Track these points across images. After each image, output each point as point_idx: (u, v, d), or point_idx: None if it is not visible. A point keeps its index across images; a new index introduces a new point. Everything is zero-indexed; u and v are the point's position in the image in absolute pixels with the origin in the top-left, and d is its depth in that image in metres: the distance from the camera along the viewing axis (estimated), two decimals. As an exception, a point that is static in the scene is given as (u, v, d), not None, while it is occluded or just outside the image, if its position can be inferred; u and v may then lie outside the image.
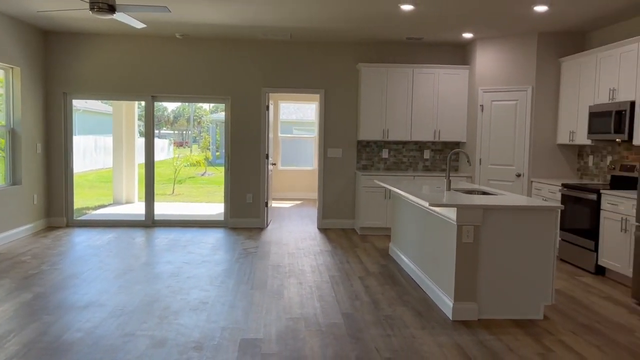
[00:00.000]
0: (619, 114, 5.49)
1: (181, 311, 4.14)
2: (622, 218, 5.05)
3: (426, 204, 4.07)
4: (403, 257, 5.67)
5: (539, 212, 4.04)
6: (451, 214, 4.07)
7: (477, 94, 7.38)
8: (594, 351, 3.48)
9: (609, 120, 5.63)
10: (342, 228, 8.04)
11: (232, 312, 4.13)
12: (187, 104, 28.37)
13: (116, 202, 10.59)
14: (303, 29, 6.95)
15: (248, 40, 7.75)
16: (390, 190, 7.14)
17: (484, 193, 5.06)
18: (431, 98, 7.68)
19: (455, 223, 4.01)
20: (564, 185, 6.03)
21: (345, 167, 8.02)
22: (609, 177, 6.23)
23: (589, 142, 6.20)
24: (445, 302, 4.19)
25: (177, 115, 33.35)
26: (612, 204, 5.21)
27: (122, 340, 3.55)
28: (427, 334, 3.74)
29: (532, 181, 6.88)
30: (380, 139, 7.69)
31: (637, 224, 4.51)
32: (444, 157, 8.06)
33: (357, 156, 8.03)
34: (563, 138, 6.74)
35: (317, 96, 8.03)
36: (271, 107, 8.29)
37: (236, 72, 7.82)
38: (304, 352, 3.40)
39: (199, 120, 31.11)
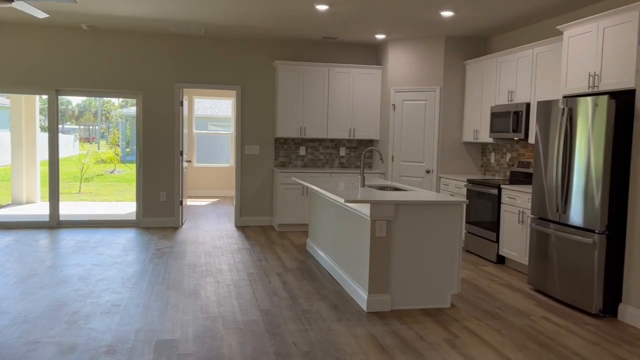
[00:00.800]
0: (517, 114, 5.94)
1: (92, 315, 3.97)
2: (519, 211, 5.48)
3: (342, 200, 4.19)
4: (320, 252, 5.79)
5: (445, 206, 4.29)
6: (365, 209, 4.22)
7: (389, 93, 7.66)
8: (495, 334, 3.76)
9: (508, 120, 6.07)
10: (260, 225, 8.04)
11: (147, 314, 4.02)
12: (94, 97, 26.97)
13: (16, 203, 9.88)
14: (218, 25, 6.87)
15: (161, 34, 7.52)
16: (307, 187, 7.25)
17: (396, 189, 5.28)
18: (346, 97, 7.87)
19: (368, 218, 4.16)
20: (469, 181, 6.43)
21: (263, 164, 8.03)
22: (508, 173, 6.71)
23: (491, 140, 6.64)
24: (360, 295, 4.34)
25: (83, 110, 31.58)
26: (511, 198, 5.63)
27: (26, 348, 3.35)
28: (343, 326, 3.86)
29: (440, 177, 7.26)
30: (298, 136, 7.77)
31: (532, 216, 4.91)
32: (359, 154, 8.29)
33: (274, 153, 8.06)
34: (468, 136, 7.17)
35: (234, 92, 7.96)
36: (185, 103, 8.10)
37: (148, 66, 7.57)
38: (222, 350, 3.39)
39: (107, 114, 29.66)
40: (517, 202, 5.53)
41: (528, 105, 5.82)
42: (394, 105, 7.61)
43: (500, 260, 5.93)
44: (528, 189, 5.35)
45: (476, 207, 6.27)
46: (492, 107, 6.46)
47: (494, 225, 5.90)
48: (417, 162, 7.46)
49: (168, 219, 7.78)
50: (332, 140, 8.19)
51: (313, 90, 7.76)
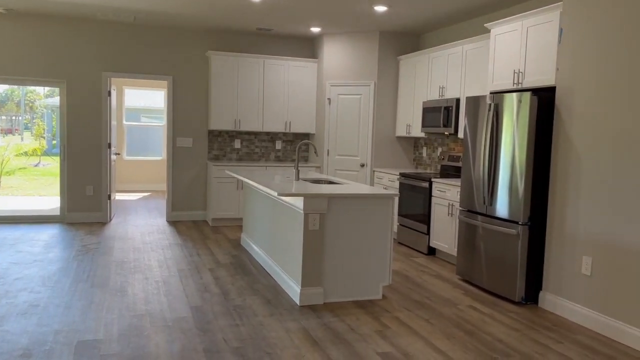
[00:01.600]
0: (447, 109, 6.09)
1: (7, 316, 3.72)
2: (449, 204, 5.63)
3: (275, 194, 4.14)
4: (254, 246, 5.71)
5: (377, 199, 4.34)
6: (298, 203, 4.19)
7: (325, 87, 7.66)
8: (424, 324, 3.84)
9: (439, 115, 6.22)
10: (193, 220, 7.85)
11: (68, 314, 3.82)
12: (17, 86, 25.40)
13: None
14: (148, 12, 6.60)
15: (86, 20, 7.15)
16: (242, 181, 7.14)
17: (330, 182, 5.29)
18: (282, 89, 7.81)
19: (302, 212, 4.13)
20: (402, 175, 6.54)
21: (196, 157, 7.83)
22: (439, 167, 6.89)
23: (422, 135, 6.79)
24: (293, 288, 4.31)
25: (5, 99, 29.69)
26: (441, 191, 5.78)
27: None
28: (275, 320, 3.82)
29: (374, 171, 7.35)
30: (232, 129, 7.63)
31: (460, 208, 5.06)
32: (294, 147, 8.25)
33: (208, 146, 7.88)
34: (401, 131, 7.30)
35: (165, 82, 7.70)
36: (114, 93, 7.77)
37: (73, 53, 7.18)
38: (148, 349, 3.27)
39: (31, 104, 28.03)
40: (447, 195, 5.68)
41: (458, 100, 5.99)
42: (329, 99, 7.62)
43: (431, 251, 6.08)
44: (457, 182, 5.51)
45: (408, 200, 6.40)
46: (424, 102, 6.60)
47: (425, 218, 6.05)
48: (352, 156, 7.52)
49: (95, 214, 7.44)
50: (267, 133, 8.11)
51: (248, 82, 7.64)
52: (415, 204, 6.26)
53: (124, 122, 11.34)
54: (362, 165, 7.45)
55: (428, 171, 7.06)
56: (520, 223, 4.32)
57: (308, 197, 4.10)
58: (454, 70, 6.13)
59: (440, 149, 6.92)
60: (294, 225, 4.39)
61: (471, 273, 4.87)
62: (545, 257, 4.32)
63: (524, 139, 4.27)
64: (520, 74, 4.62)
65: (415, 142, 7.55)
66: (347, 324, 3.79)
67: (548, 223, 4.28)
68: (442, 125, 6.16)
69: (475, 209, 4.82)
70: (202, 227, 7.36)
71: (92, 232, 6.72)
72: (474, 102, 4.86)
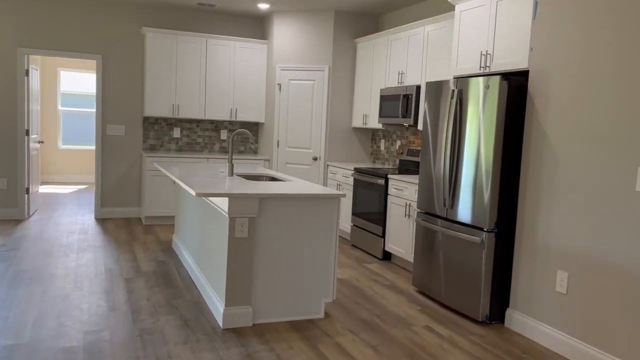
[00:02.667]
0: (407, 98, 5.44)
1: None
2: (406, 204, 4.99)
3: (193, 193, 3.40)
4: (184, 252, 4.96)
5: (320, 200, 3.64)
6: (225, 204, 3.46)
7: (275, 71, 6.91)
8: (370, 353, 3.18)
9: (397, 105, 5.56)
10: (125, 217, 7.01)
11: None
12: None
13: None
14: (68, -21, 5.71)
15: (-2, -14, 6.20)
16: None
17: (273, 179, 4.57)
18: (227, 73, 7.02)
19: (227, 215, 3.41)
20: (356, 170, 5.88)
21: (130, 147, 6.98)
22: (398, 162, 6.25)
23: (380, 126, 6.13)
24: (217, 308, 3.59)
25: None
26: (398, 189, 5.13)
27: None
28: (187, 349, 3.10)
29: (328, 165, 6.67)
30: (171, 115, 6.81)
31: (418, 210, 4.42)
32: (243, 138, 7.49)
33: (143, 135, 7.04)
34: (358, 121, 6.63)
35: (94, 62, 6.82)
36: (35, 73, 6.83)
37: (-18, 25, 6.22)
38: (7, 398, 2.49)
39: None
40: (404, 193, 5.04)
41: (418, 88, 5.35)
42: (279, 84, 6.88)
43: (387, 256, 5.44)
44: (416, 179, 4.87)
45: (363, 199, 5.74)
46: (381, 90, 5.93)
47: (381, 219, 5.39)
48: (304, 149, 6.81)
49: (9, 210, 6.52)
50: (212, 121, 7.31)
51: (188, 63, 6.82)
52: (370, 203, 5.60)
53: (59, 107, 10.31)
54: (315, 159, 6.75)
55: (386, 166, 6.41)
56: (485, 230, 3.70)
57: (234, 198, 3.37)
58: (414, 54, 5.47)
59: (399, 142, 6.27)
60: (219, 230, 3.66)
61: (429, 285, 4.24)
62: (513, 269, 3.71)
63: (490, 131, 3.64)
64: (489, 55, 3.98)
65: (373, 134, 6.89)
66: (277, 354, 3.09)
67: (517, 230, 3.67)
68: (400, 116, 5.51)
69: (435, 211, 4.18)
70: (133, 225, 6.54)
71: (2, 232, 5.82)
72: (435, 88, 4.21)
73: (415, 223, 4.64)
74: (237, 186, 3.67)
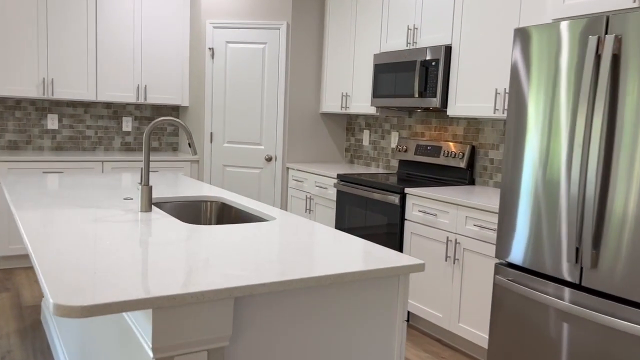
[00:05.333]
0: (426, 66, 3.46)
1: None
2: (446, 238, 3.02)
3: (50, 306, 1.19)
4: (57, 341, 2.65)
5: (369, 282, 1.56)
6: (145, 322, 1.28)
7: (204, 30, 4.65)
8: None
9: (410, 77, 3.57)
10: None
11: None
12: None
13: None
14: None
15: None
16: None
17: (227, 211, 2.43)
18: (130, 33, 4.65)
19: (149, 351, 1.24)
20: (342, 179, 3.83)
21: (-28, 146, 4.44)
22: (397, 164, 4.29)
23: (372, 110, 4.11)
24: None
25: None
26: (428, 213, 3.14)
27: None
28: None
29: (288, 168, 4.57)
30: (40, 96, 4.35)
31: (498, 261, 2.47)
32: (155, 130, 5.16)
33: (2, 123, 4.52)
34: (331, 104, 4.56)
35: None
36: None
37: None
38: None
39: None
40: (441, 221, 3.06)
41: (449, 50, 3.38)
42: (212, 49, 4.63)
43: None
44: (459, 195, 2.91)
45: (356, 224, 3.71)
46: (375, 57, 3.91)
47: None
48: (252, 144, 4.64)
49: None
50: (108, 105, 4.92)
51: (67, 18, 4.38)
52: (369, 232, 3.59)
53: None
54: (269, 160, 4.60)
55: (376, 170, 4.42)
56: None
57: (165, 313, 1.20)
58: (437, -3, 3.49)
59: (396, 135, 4.29)
60: (128, 350, 1.48)
61: (530, 401, 2.31)
62: None
63: None
64: (656, -27, 2.08)
65: (348, 123, 4.86)
66: None
67: None
68: (416, 94, 3.52)
69: (546, 269, 2.25)
70: (-20, 273, 4.05)
71: None
72: (547, 37, 2.24)
73: (493, 284, 2.70)
74: (168, 254, 1.49)
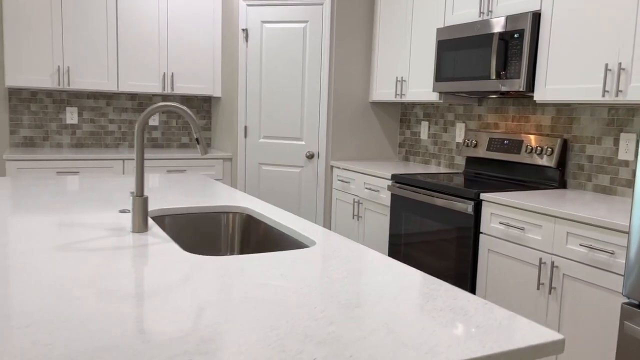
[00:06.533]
0: (506, 41, 2.75)
1: None
2: (539, 259, 2.32)
3: None
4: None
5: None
6: None
7: (236, 8, 4.06)
8: None
9: (485, 54, 2.86)
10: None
11: None
12: None
13: None
14: None
15: None
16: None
17: (259, 225, 1.84)
18: (154, 15, 4.12)
19: None
20: (396, 180, 3.16)
21: (-16, 143, 4.02)
22: (462, 162, 3.59)
23: (434, 97, 3.41)
24: None
25: None
26: (512, 226, 2.44)
27: None
28: None
29: (332, 167, 3.93)
30: (55, 86, 3.88)
31: (629, 301, 1.76)
32: (185, 123, 4.63)
33: (10, 119, 4.08)
34: (383, 91, 3.89)
35: None
36: None
37: None
38: None
39: None
40: (530, 237, 2.36)
41: (536, 16, 2.65)
42: (245, 30, 4.04)
43: None
44: (556, 202, 2.20)
45: (416, 235, 3.04)
46: (439, 31, 3.22)
47: (464, 279, 2.72)
48: (292, 139, 4.03)
49: None
50: (132, 96, 4.42)
51: (85, 2, 3.89)
52: (434, 247, 2.91)
53: None
54: (311, 157, 3.98)
55: (436, 170, 3.73)
56: None
57: None
58: (520, -48, 2.76)
59: (463, 126, 3.59)
60: None
61: None
62: None
63: None
64: None
65: (403, 114, 4.18)
66: None
67: None
68: (494, 75, 2.81)
69: None
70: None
71: None
72: None
73: (620, 333, 1.98)
74: (146, 316, 0.88)
